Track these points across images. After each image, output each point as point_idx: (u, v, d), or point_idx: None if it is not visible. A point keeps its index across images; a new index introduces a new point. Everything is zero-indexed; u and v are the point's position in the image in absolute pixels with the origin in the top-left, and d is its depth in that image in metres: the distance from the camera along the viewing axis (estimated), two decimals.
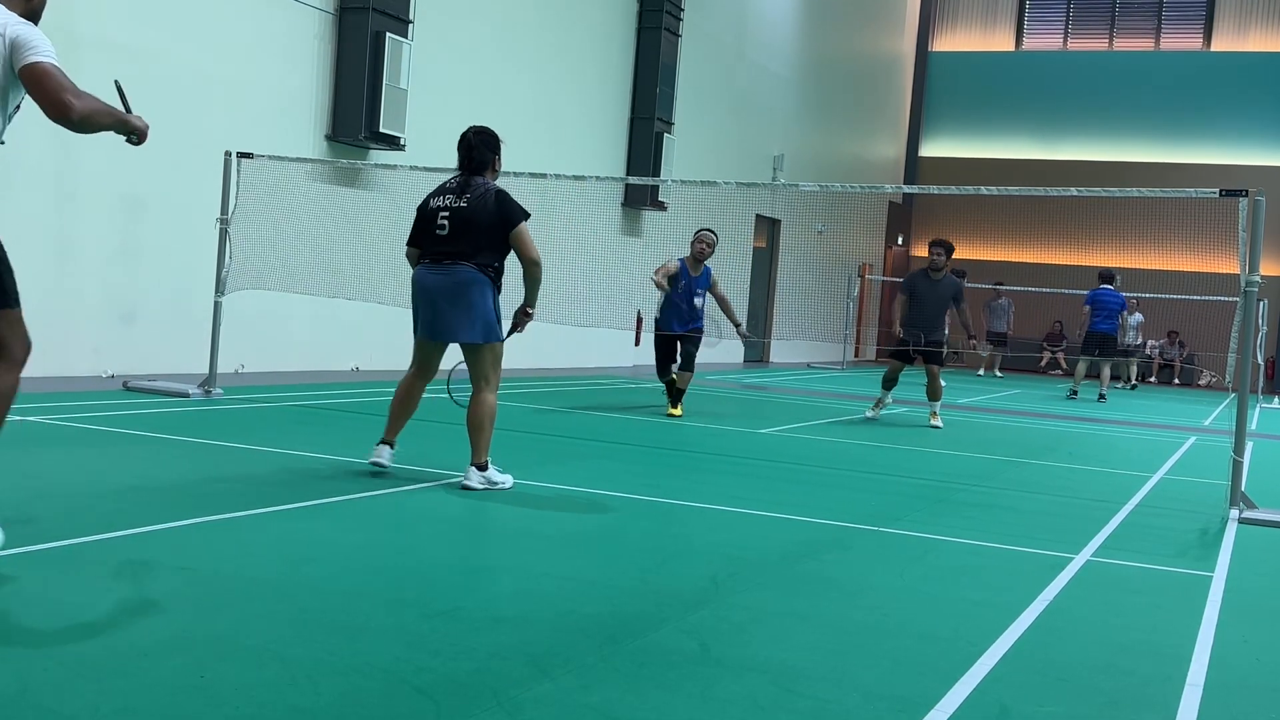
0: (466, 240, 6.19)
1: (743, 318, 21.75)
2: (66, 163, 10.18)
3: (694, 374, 11.57)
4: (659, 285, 11.11)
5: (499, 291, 6.33)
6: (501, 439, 8.65)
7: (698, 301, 11.38)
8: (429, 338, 6.37)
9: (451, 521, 5.45)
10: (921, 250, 31.79)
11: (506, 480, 6.34)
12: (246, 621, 3.58)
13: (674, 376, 11.35)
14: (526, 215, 6.27)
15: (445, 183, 6.45)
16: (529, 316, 6.49)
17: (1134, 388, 23.87)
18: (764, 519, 6.01)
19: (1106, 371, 18.79)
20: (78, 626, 3.44)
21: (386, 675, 3.16)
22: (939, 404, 11.99)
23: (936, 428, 11.61)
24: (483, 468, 6.26)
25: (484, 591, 4.13)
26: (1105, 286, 18.16)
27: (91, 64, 10.28)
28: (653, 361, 11.81)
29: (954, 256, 12.20)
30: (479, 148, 6.37)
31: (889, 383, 12.21)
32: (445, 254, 6.22)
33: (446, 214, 6.25)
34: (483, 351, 6.27)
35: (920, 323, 11.80)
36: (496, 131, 6.50)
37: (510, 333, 6.49)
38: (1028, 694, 3.41)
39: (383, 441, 6.43)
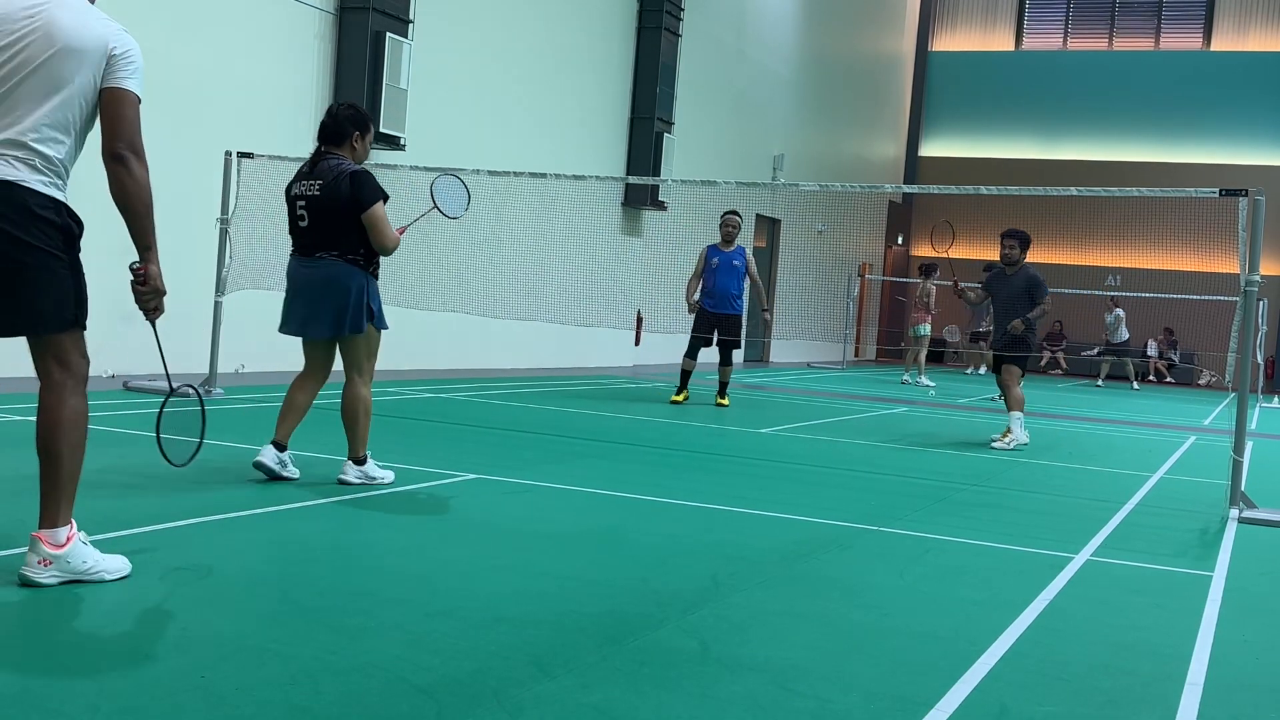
0: (325, 229, 5.89)
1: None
2: None
3: (732, 368, 12.87)
4: (689, 303, 12.41)
5: (374, 275, 6.01)
6: (503, 439, 8.66)
7: (734, 271, 12.27)
8: (300, 335, 6.05)
9: (451, 521, 5.45)
10: (921, 249, 31.80)
11: (387, 476, 6.14)
12: (247, 621, 3.58)
13: (695, 366, 12.53)
14: (384, 197, 5.90)
15: (301, 165, 6.10)
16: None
17: (1136, 388, 23.83)
18: (764, 519, 6.01)
19: (1130, 367, 17.26)
20: (78, 626, 3.44)
21: (387, 675, 3.16)
22: (1016, 416, 10.29)
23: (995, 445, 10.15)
24: (360, 461, 6.06)
25: (484, 591, 4.13)
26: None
27: None
28: (652, 361, 11.88)
29: (949, 255, 11.89)
30: (343, 120, 5.98)
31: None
32: (309, 245, 5.95)
33: (303, 203, 5.92)
34: (355, 341, 5.99)
35: (998, 324, 10.76)
36: (358, 114, 6.07)
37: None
38: (1028, 694, 3.41)
39: (272, 441, 6.01)
